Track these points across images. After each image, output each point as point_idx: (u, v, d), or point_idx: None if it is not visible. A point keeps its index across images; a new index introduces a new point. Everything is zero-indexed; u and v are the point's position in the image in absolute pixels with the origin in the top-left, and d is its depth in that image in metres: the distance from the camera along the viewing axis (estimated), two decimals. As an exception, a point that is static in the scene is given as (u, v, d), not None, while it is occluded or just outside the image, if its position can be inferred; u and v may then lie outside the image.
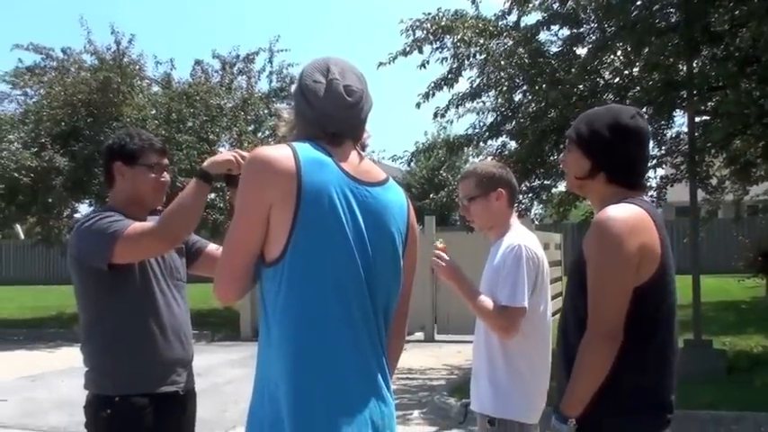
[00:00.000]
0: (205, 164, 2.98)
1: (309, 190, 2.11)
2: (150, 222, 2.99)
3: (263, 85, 17.26)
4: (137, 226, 2.95)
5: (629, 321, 2.43)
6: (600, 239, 2.47)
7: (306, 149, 2.16)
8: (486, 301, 3.31)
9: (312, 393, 2.09)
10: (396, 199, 2.32)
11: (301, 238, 2.11)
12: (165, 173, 3.28)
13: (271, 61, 16.97)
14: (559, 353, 2.63)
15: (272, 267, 2.14)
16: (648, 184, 10.31)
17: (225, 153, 2.99)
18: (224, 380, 10.06)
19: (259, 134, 17.04)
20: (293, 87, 2.35)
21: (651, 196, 10.39)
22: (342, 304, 2.15)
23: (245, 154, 2.78)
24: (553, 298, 15.16)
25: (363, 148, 2.35)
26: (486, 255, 3.55)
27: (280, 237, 2.11)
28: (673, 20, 9.04)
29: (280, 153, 2.14)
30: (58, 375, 10.25)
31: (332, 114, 2.23)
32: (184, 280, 3.29)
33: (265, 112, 17.00)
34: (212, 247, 3.45)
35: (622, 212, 2.48)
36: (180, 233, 2.99)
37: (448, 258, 3.42)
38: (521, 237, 3.41)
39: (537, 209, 11.52)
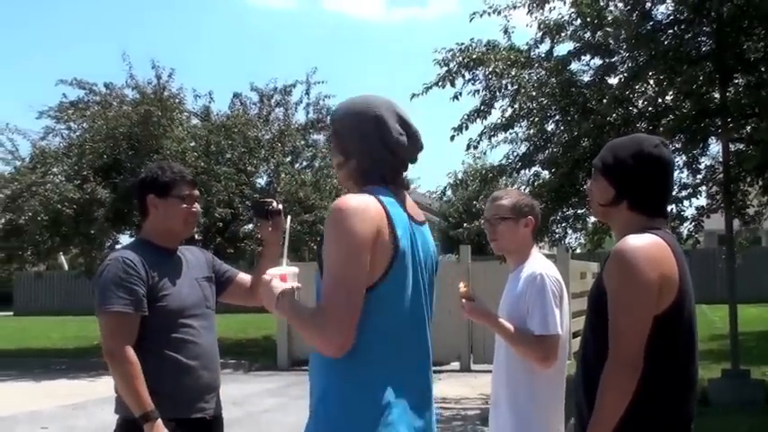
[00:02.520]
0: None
1: (401, 235, 2.34)
2: (128, 355, 3.09)
3: (299, 117, 17.49)
4: (115, 323, 3.13)
5: (649, 350, 2.46)
6: (620, 269, 2.51)
7: (385, 197, 2.38)
8: (521, 332, 3.37)
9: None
10: (430, 237, 2.56)
11: (394, 276, 2.33)
12: (197, 203, 3.40)
13: (308, 93, 17.22)
14: (579, 382, 2.66)
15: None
16: (684, 214, 10.26)
17: None
18: (259, 409, 10.13)
19: (296, 165, 17.24)
20: (357, 124, 2.46)
21: (688, 228, 10.32)
22: (416, 330, 2.43)
23: None
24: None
25: None
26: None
27: (372, 274, 2.30)
28: (704, 48, 9.04)
29: (371, 203, 2.34)
30: (99, 404, 10.38)
31: (410, 161, 2.51)
32: (213, 308, 3.41)
33: (302, 143, 17.22)
34: (242, 276, 3.58)
35: (642, 242, 2.52)
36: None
37: (473, 300, 3.53)
38: (540, 265, 3.48)
39: (571, 238, 11.44)
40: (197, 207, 3.40)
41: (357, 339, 2.26)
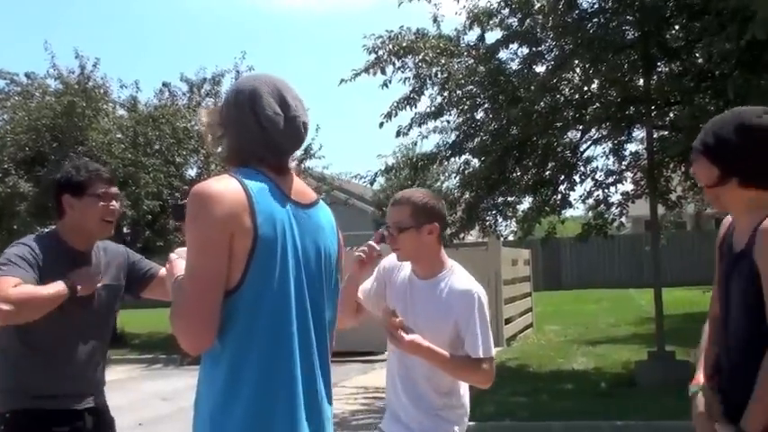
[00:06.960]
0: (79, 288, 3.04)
1: (263, 222, 2.16)
2: (14, 289, 2.93)
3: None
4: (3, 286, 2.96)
5: None
6: None
7: (253, 181, 2.20)
8: (459, 357, 3.16)
9: (276, 402, 2.18)
10: (327, 218, 2.40)
11: (258, 267, 2.16)
12: (115, 201, 3.30)
13: (237, 82, 17.01)
14: (732, 369, 2.59)
15: (227, 297, 2.16)
16: (610, 199, 10.45)
17: None
18: (190, 404, 9.94)
19: (226, 155, 17.02)
20: (234, 98, 2.32)
21: (613, 213, 10.55)
22: (293, 326, 2.22)
23: None
24: (522, 314, 15.31)
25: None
26: None
27: (235, 268, 2.14)
28: (629, 36, 9.19)
29: (231, 187, 2.16)
30: None
31: (287, 147, 2.31)
32: (111, 312, 3.39)
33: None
34: (164, 272, 3.48)
35: None
36: (25, 319, 2.97)
37: (411, 332, 3.09)
38: (469, 280, 3.25)
39: (501, 226, 11.56)
40: (115, 204, 3.29)
41: (224, 346, 2.16)
